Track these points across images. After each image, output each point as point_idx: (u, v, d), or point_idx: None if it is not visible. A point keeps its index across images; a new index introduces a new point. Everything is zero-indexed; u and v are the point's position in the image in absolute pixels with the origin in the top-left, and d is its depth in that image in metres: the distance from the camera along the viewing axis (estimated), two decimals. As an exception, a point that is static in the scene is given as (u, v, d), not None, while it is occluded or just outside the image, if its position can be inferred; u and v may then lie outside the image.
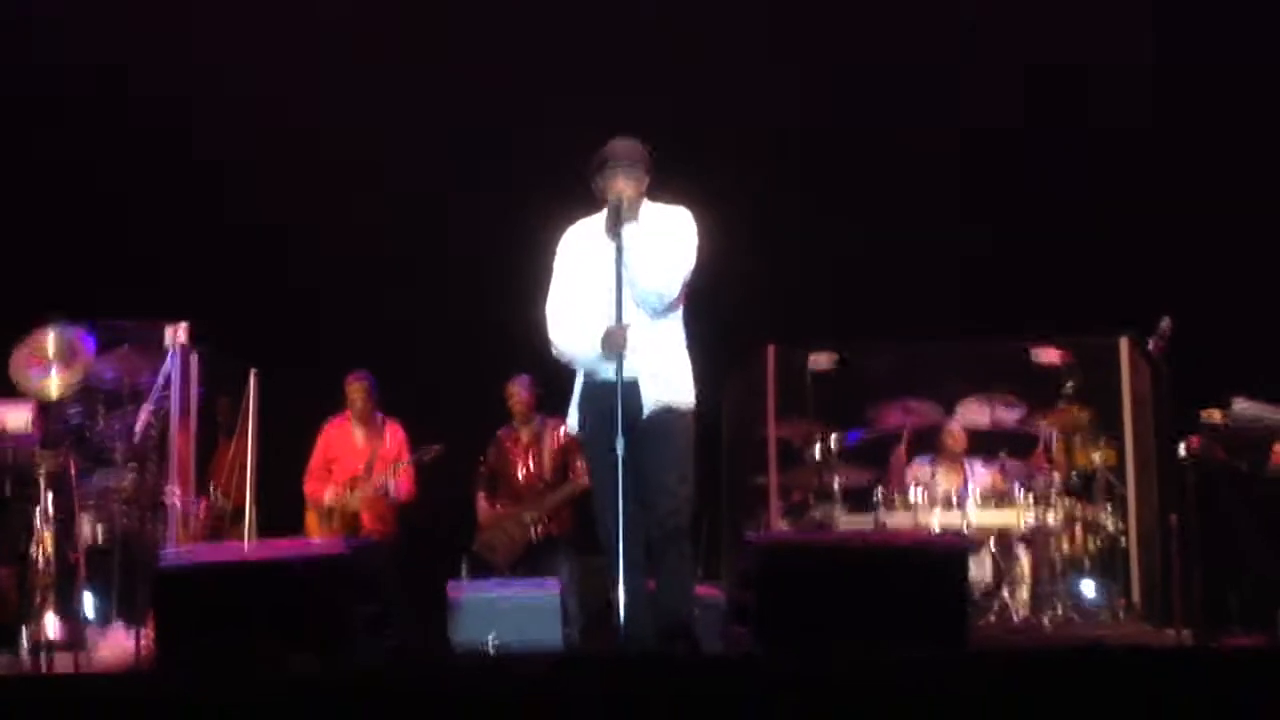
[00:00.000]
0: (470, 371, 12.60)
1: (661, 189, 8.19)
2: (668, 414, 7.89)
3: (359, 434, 12.29)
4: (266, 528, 11.31)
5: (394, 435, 12.28)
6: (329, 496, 12.08)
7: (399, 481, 12.05)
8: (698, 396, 8.11)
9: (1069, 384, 11.43)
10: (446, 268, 13.03)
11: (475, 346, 12.52)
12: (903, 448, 12.12)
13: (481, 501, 12.13)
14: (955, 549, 8.19)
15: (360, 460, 12.16)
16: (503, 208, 12.39)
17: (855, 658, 6.42)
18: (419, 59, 12.99)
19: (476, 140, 12.99)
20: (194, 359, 10.96)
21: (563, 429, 11.21)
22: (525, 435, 12.08)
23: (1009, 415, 11.85)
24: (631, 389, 7.77)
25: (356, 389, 12.25)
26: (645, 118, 8.59)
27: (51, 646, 9.92)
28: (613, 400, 7.62)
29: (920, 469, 11.99)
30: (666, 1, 12.98)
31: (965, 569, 7.82)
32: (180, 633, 7.45)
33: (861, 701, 6.09)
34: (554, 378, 8.43)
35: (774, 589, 7.26)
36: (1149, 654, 7.59)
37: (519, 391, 11.96)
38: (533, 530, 11.78)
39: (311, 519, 12.21)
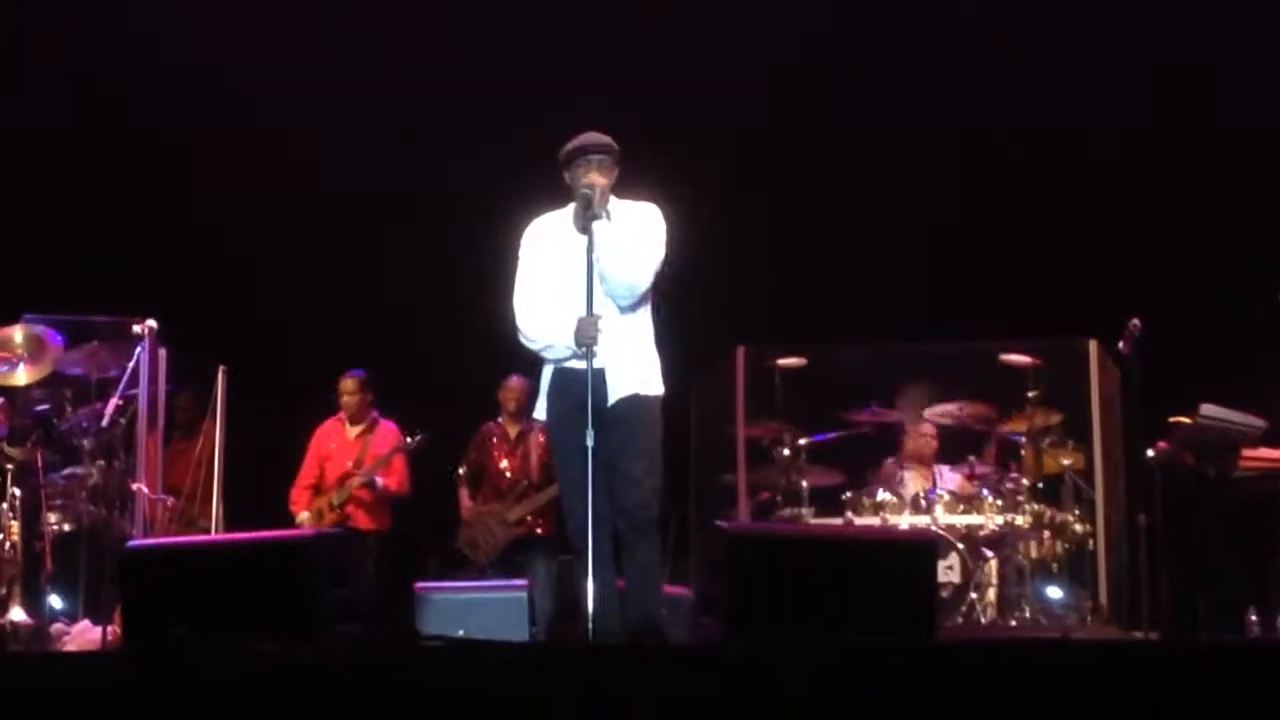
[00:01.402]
0: (450, 367, 12.64)
1: (630, 189, 8.20)
2: (635, 403, 7.92)
3: (352, 431, 12.30)
4: (231, 528, 11.30)
5: (388, 433, 12.28)
6: (301, 518, 12.07)
7: (390, 475, 12.03)
8: (667, 394, 8.12)
9: (1036, 388, 11.41)
10: (425, 262, 13.04)
11: (459, 341, 12.49)
12: (893, 461, 12.11)
13: (464, 497, 12.16)
14: (924, 542, 8.19)
15: (350, 456, 12.15)
16: (477, 201, 12.36)
17: (823, 647, 6.39)
18: (396, 53, 13.00)
19: (451, 131, 13.00)
20: (162, 355, 10.91)
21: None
22: (512, 432, 12.09)
23: (977, 418, 11.85)
24: (599, 379, 7.78)
25: (347, 386, 12.25)
26: (613, 116, 8.58)
27: (18, 636, 9.90)
28: (582, 391, 7.64)
29: (889, 471, 11.99)
30: (637, 1, 12.99)
31: (934, 562, 7.80)
32: (147, 615, 7.41)
33: (829, 691, 6.06)
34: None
35: (743, 577, 7.23)
36: (1115, 649, 7.58)
37: (518, 387, 11.91)
38: (516, 529, 11.79)
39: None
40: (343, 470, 12.13)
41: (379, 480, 11.99)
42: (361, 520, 12.00)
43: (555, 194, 8.22)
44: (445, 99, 13.03)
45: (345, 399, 12.27)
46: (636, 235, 7.98)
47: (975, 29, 12.62)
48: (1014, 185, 12.60)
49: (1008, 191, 12.60)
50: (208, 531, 11.12)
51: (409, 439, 12.11)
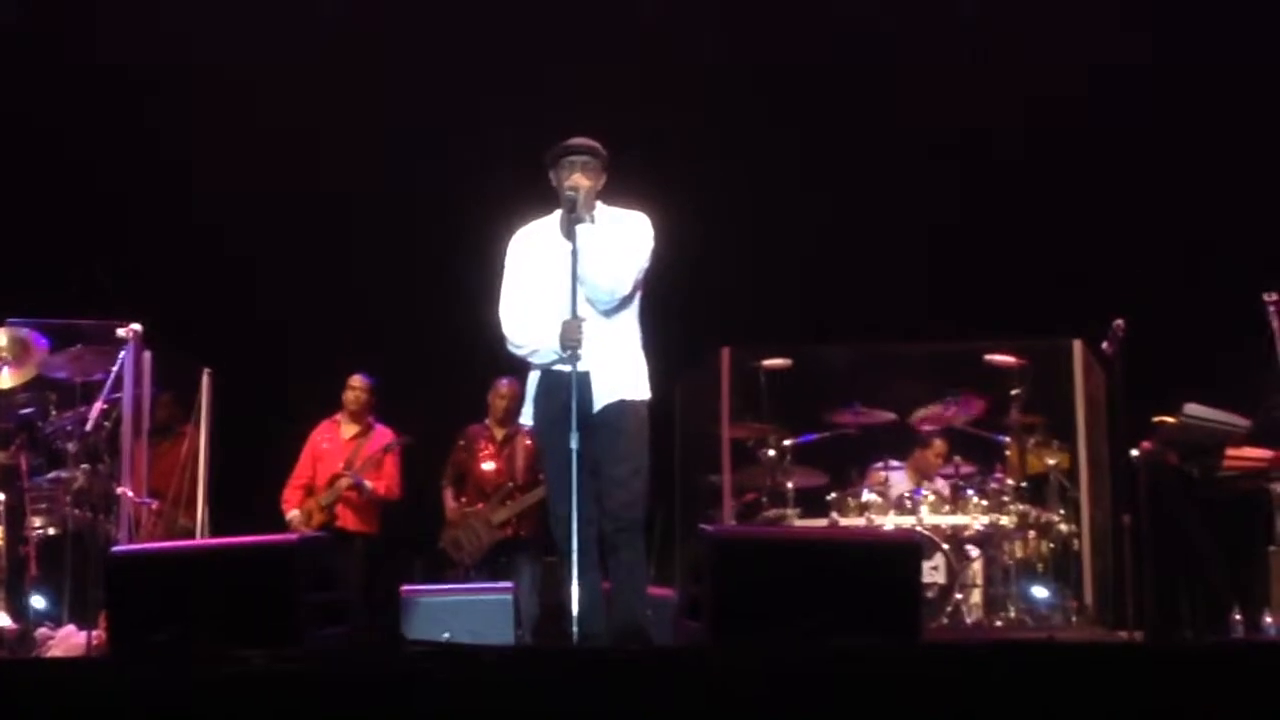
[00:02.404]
0: (439, 370, 12.65)
1: (616, 191, 8.21)
2: (621, 409, 7.93)
3: (348, 432, 12.34)
4: (216, 532, 11.28)
5: (381, 437, 12.30)
6: (290, 516, 12.09)
7: (380, 479, 12.05)
8: (652, 396, 8.11)
9: (1019, 389, 11.42)
10: (416, 264, 13.03)
11: (448, 344, 12.47)
12: (881, 465, 12.11)
13: (449, 498, 12.16)
14: (908, 543, 8.18)
15: (342, 457, 12.17)
16: (468, 205, 12.33)
17: (808, 649, 6.38)
18: (389, 56, 13.01)
19: (444, 133, 12.99)
20: (146, 358, 10.89)
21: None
22: (499, 434, 12.09)
23: (963, 418, 11.86)
24: (584, 383, 7.79)
25: (357, 385, 12.33)
26: (602, 116, 8.58)
27: (2, 641, 9.87)
28: (567, 394, 7.65)
29: (880, 474, 11.99)
30: (623, 2, 12.98)
31: (918, 562, 7.80)
32: (131, 621, 7.38)
33: (813, 694, 6.06)
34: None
35: (727, 580, 7.22)
36: (1100, 649, 7.58)
37: (507, 390, 11.88)
38: (500, 532, 11.77)
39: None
40: (334, 471, 12.14)
41: (367, 483, 12.01)
42: (349, 521, 12.03)
43: (547, 197, 8.20)
44: (438, 102, 13.01)
45: (354, 394, 12.35)
46: (620, 241, 8.00)
47: (968, 26, 12.64)
48: (999, 187, 12.60)
49: (993, 193, 12.61)
50: (191, 535, 11.10)
51: (390, 444, 12.12)
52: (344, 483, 12.02)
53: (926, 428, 12.01)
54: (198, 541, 10.56)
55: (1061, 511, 11.48)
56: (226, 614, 7.28)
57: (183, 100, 12.93)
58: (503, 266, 8.24)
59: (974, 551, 11.32)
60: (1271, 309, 9.62)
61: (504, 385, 11.92)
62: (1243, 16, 12.18)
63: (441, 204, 12.93)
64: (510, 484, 11.91)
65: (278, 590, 7.29)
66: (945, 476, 11.86)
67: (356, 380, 12.40)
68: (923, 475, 12.07)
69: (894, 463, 12.12)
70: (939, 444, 12.13)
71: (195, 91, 12.91)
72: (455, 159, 12.94)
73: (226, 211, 12.91)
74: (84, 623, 9.85)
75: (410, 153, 13.11)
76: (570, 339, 7.71)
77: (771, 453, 11.70)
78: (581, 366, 7.74)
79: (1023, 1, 12.73)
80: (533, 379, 8.19)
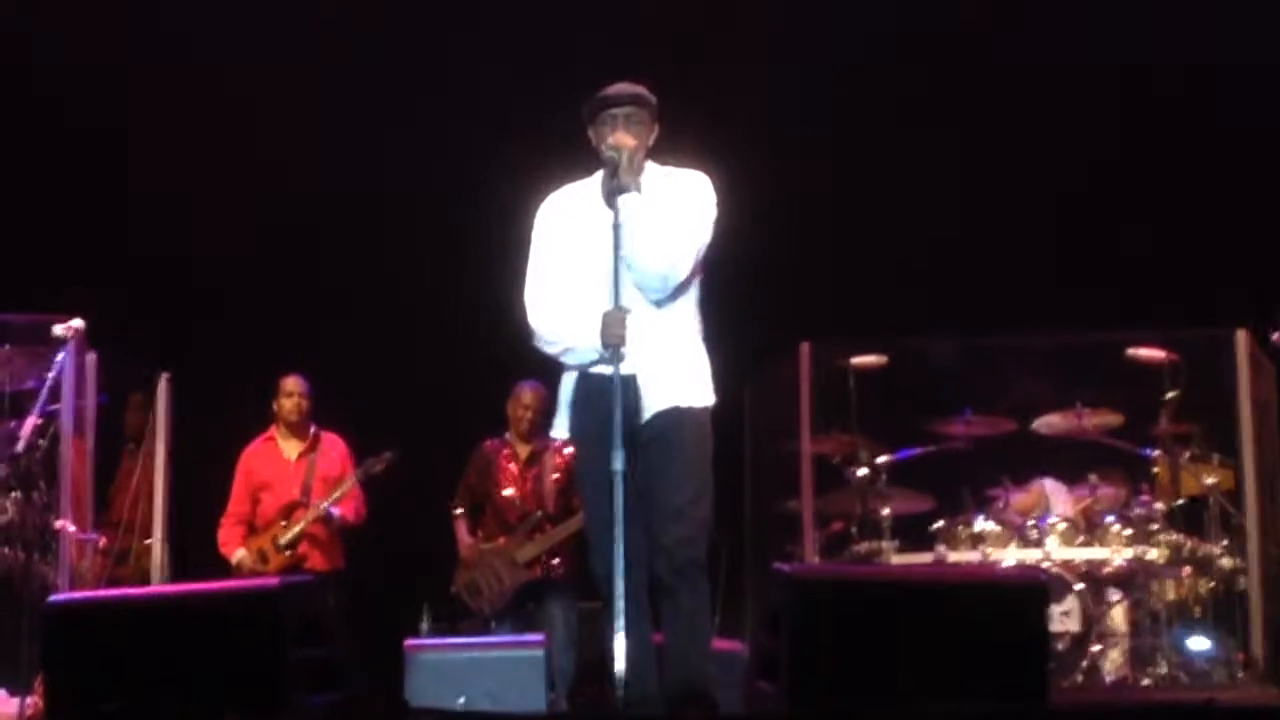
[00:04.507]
0: (446, 373, 12.69)
1: (675, 153, 8.18)
2: (675, 418, 7.87)
3: (291, 450, 12.24)
4: (182, 568, 11.33)
5: (334, 449, 12.25)
6: (238, 558, 12.01)
7: (343, 502, 12.01)
8: (716, 404, 8.09)
9: (1172, 390, 11.42)
10: (416, 248, 13.08)
11: (457, 343, 12.52)
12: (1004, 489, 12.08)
13: (463, 532, 12.11)
14: (1032, 584, 8.19)
15: (295, 482, 12.12)
16: (475, 171, 12.38)
17: (907, 716, 6.43)
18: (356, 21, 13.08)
19: (442, 84, 13.07)
20: (90, 361, 10.94)
21: (567, 449, 10.85)
22: (523, 452, 12.08)
23: (1101, 428, 11.85)
24: (631, 387, 7.75)
25: (295, 391, 12.18)
26: (653, 66, 8.59)
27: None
28: (610, 402, 7.57)
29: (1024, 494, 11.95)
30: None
31: (1046, 607, 7.83)
32: (74, 685, 7.45)
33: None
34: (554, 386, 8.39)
35: (809, 632, 7.26)
36: (1272, 714, 7.60)
37: (531, 400, 11.87)
38: (528, 572, 11.79)
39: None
40: (287, 500, 12.05)
41: (335, 511, 11.96)
42: (317, 561, 11.91)
43: (584, 157, 8.19)
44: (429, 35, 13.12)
45: (294, 402, 12.16)
46: (674, 211, 7.91)
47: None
48: (1143, 148, 12.58)
49: (1136, 156, 12.58)
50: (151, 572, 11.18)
51: (367, 462, 12.08)
52: (310, 516, 11.91)
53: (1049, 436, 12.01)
54: (155, 588, 10.62)
55: (1224, 542, 11.48)
56: (193, 676, 7.34)
57: (124, 90, 13.04)
58: (529, 240, 8.18)
59: (1115, 593, 11.33)
60: None
61: (527, 392, 11.89)
62: None
63: (437, 170, 12.96)
64: (539, 513, 11.91)
65: (258, 646, 7.35)
66: (1079, 498, 11.83)
67: (292, 384, 12.23)
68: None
69: (1049, 480, 12.00)
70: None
71: (146, 79, 13.01)
72: (455, 110, 12.97)
73: (181, 197, 12.99)
74: (16, 687, 9.92)
75: (396, 111, 13.17)
76: (613, 333, 7.64)
77: (863, 472, 11.73)
78: (627, 368, 7.67)
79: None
80: (567, 383, 8.16)
